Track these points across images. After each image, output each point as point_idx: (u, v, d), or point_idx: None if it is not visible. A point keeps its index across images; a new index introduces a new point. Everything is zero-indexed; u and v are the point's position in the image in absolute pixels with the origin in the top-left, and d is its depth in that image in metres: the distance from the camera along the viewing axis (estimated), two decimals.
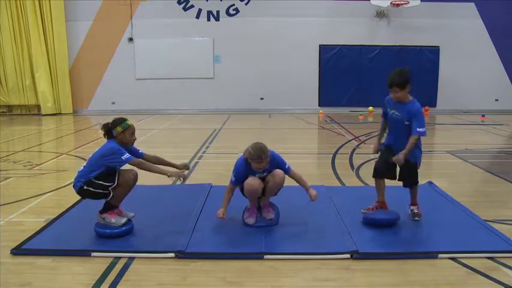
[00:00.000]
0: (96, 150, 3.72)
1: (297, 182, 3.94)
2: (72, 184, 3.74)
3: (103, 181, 3.60)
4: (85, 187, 3.61)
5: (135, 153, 3.82)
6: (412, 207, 4.07)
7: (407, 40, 14.44)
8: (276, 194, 4.01)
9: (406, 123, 3.79)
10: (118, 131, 3.64)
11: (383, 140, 4.16)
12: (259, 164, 3.71)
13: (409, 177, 3.96)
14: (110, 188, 3.62)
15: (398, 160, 3.75)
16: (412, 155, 3.79)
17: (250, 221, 3.92)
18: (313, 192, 3.85)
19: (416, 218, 3.99)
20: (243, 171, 3.84)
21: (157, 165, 3.76)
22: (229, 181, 3.90)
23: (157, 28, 14.47)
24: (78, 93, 14.79)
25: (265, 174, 3.86)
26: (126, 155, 3.58)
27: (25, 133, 10.42)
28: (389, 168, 3.95)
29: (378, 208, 4.09)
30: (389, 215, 3.93)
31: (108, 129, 3.68)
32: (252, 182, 3.80)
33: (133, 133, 3.74)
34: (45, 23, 13.96)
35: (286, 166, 3.90)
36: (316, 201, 3.86)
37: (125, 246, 3.49)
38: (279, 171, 3.84)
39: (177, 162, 3.97)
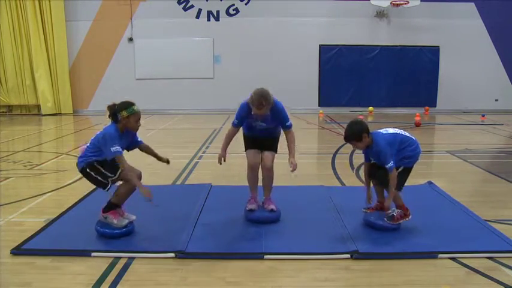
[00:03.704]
0: (99, 131, 3.66)
1: (287, 142, 3.97)
2: (76, 162, 3.70)
3: (105, 170, 3.58)
4: (88, 170, 3.60)
5: (135, 142, 3.80)
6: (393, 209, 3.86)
7: (407, 40, 14.42)
8: (271, 185, 4.08)
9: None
10: (123, 116, 3.54)
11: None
12: (259, 110, 3.73)
13: (382, 177, 3.76)
14: (109, 179, 3.60)
15: (385, 209, 3.77)
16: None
17: (252, 207, 3.97)
18: (294, 162, 3.81)
19: (388, 222, 3.77)
20: (244, 115, 3.91)
21: (136, 178, 3.57)
22: (231, 123, 3.97)
23: (157, 28, 14.45)
24: (78, 93, 14.77)
25: (265, 125, 3.91)
26: (115, 148, 3.44)
27: (25, 133, 10.41)
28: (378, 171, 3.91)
29: (378, 208, 4.07)
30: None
31: (114, 112, 3.57)
32: (251, 155, 4.00)
33: (138, 119, 3.65)
34: (45, 23, 13.94)
35: (288, 123, 3.94)
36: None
37: (125, 246, 3.49)
38: (267, 154, 3.97)
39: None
